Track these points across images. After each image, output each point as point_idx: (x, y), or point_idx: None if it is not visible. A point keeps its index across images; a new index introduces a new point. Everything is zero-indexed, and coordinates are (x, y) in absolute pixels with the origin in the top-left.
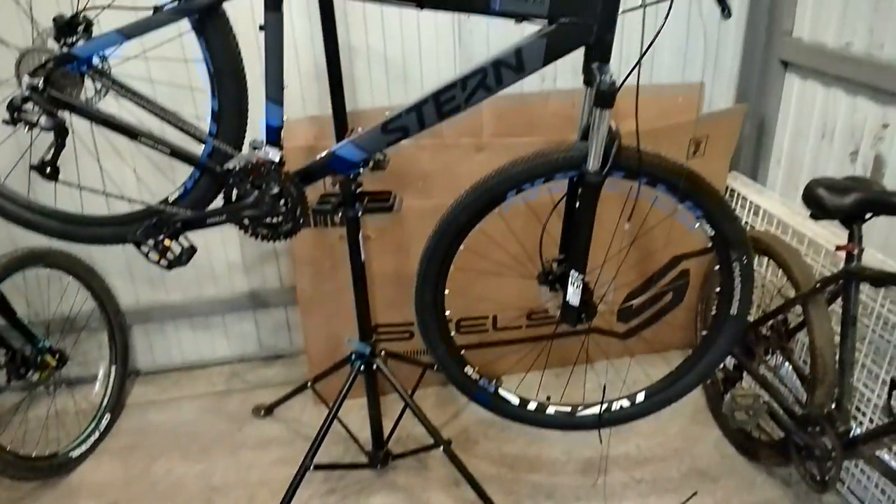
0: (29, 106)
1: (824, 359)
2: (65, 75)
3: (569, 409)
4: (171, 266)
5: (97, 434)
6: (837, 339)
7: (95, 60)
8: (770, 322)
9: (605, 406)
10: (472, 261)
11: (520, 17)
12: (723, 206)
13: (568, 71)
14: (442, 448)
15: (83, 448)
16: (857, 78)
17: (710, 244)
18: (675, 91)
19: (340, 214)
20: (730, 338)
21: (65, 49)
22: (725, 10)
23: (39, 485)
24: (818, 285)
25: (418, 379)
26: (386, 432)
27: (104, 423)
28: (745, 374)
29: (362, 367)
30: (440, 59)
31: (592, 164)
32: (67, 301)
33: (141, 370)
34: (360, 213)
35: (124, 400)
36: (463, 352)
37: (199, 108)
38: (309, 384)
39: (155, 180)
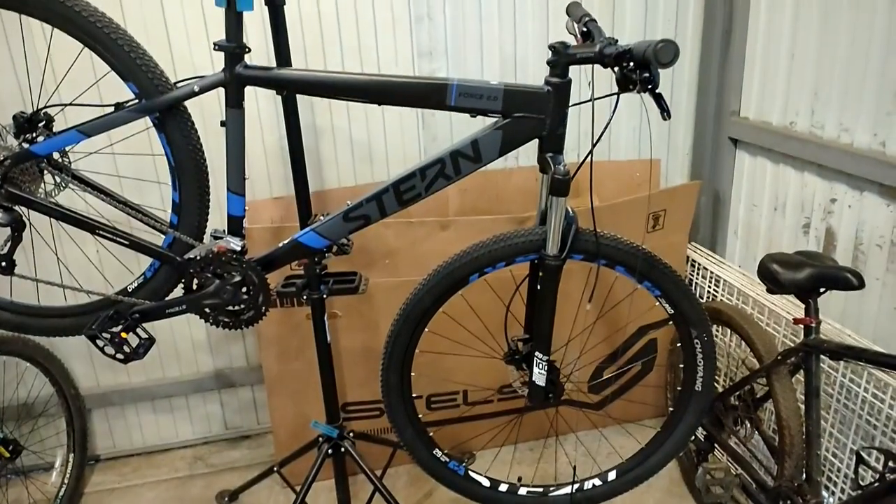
0: None
1: (791, 431)
2: (23, 171)
3: (540, 489)
4: (126, 360)
5: None
6: (804, 409)
7: (56, 155)
8: (737, 392)
9: (576, 486)
10: (437, 342)
11: (475, 112)
12: (680, 287)
13: (530, 148)
14: None
15: None
16: (803, 156)
17: (670, 321)
18: (633, 167)
19: (305, 297)
20: (696, 413)
21: (24, 145)
22: (665, 113)
23: None
24: (779, 357)
25: (389, 458)
26: None
27: None
28: (716, 444)
29: (330, 450)
30: (405, 139)
31: (551, 248)
32: (24, 386)
33: (100, 456)
34: (325, 296)
35: (82, 489)
36: (431, 433)
37: (164, 199)
38: (275, 469)
39: (115, 268)
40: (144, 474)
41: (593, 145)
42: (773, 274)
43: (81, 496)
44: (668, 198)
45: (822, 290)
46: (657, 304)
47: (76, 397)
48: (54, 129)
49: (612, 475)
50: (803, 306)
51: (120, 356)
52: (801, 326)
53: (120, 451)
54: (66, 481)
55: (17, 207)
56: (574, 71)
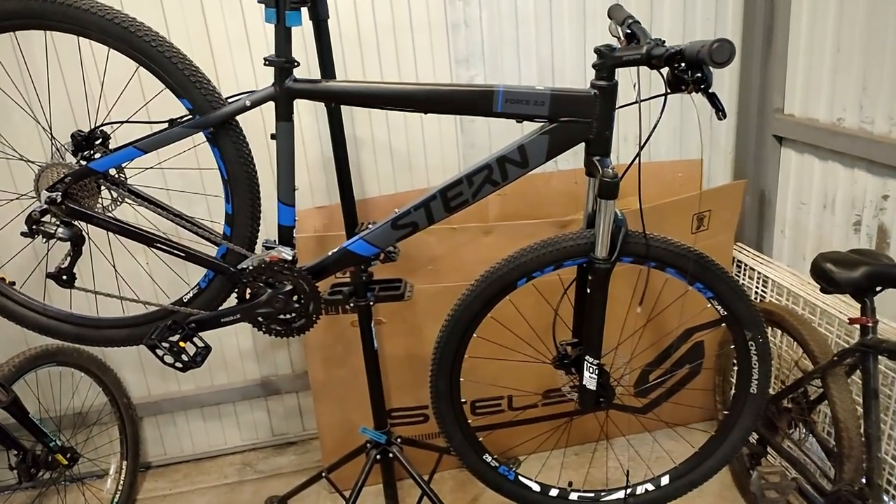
0: (47, 218)
1: (849, 433)
2: (82, 187)
3: (592, 494)
4: (185, 368)
5: None
6: (861, 411)
7: (112, 171)
8: (791, 395)
9: (629, 491)
10: (483, 347)
11: (521, 118)
12: (733, 288)
13: (569, 153)
14: None
15: None
16: (852, 152)
17: (723, 323)
18: (675, 168)
19: (352, 304)
20: (751, 417)
21: (82, 163)
22: (720, 112)
23: None
24: (835, 358)
25: (435, 464)
26: None
27: None
28: (769, 448)
29: (378, 456)
30: (444, 147)
31: (600, 251)
32: (79, 396)
33: (152, 463)
34: (371, 303)
35: (135, 495)
36: (481, 439)
37: (212, 210)
38: (324, 474)
39: (169, 280)
40: (195, 480)
41: (641, 147)
42: (827, 273)
43: (135, 502)
44: (712, 198)
45: (878, 288)
46: (708, 305)
47: (128, 406)
48: (110, 147)
49: (665, 480)
50: (858, 306)
51: (179, 364)
52: (857, 326)
53: (171, 458)
54: (119, 487)
55: (76, 222)
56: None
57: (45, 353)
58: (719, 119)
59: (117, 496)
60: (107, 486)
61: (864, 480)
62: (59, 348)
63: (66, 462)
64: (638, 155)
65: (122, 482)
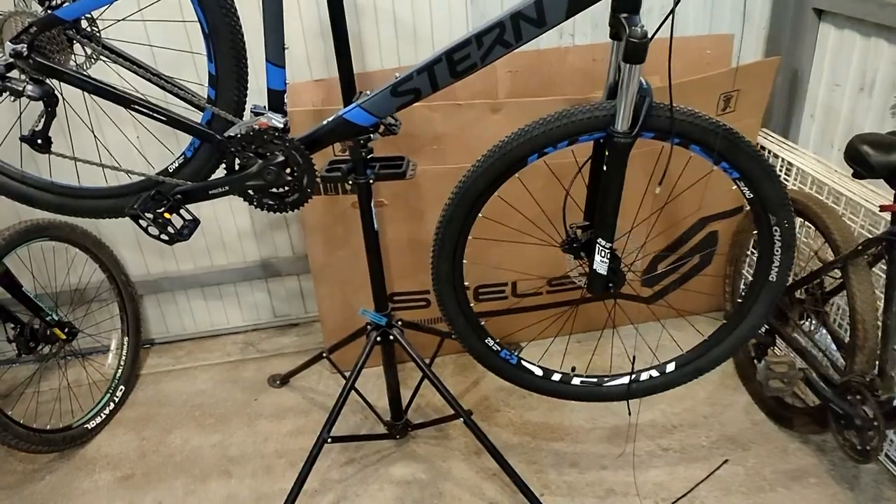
0: (14, 74)
1: (866, 325)
2: (51, 40)
3: (595, 379)
4: (172, 241)
5: (112, 405)
6: (879, 303)
7: (84, 24)
8: (805, 286)
9: (633, 377)
10: (490, 228)
11: None
12: (763, 167)
13: (587, 25)
14: (462, 419)
15: (98, 419)
16: None
17: (747, 206)
18: (703, 44)
19: (351, 181)
20: (766, 305)
21: (48, 11)
22: None
23: (55, 457)
24: (860, 247)
25: (436, 348)
26: (404, 402)
27: (119, 394)
28: (777, 338)
29: (379, 338)
30: (452, 16)
31: (621, 124)
32: (75, 272)
33: (154, 340)
34: (371, 181)
35: (138, 371)
36: (483, 322)
37: (201, 76)
38: (324, 354)
39: (154, 149)
40: (198, 357)
41: (676, 2)
42: (863, 156)
43: (138, 377)
44: (742, 76)
45: None
46: (734, 187)
47: (127, 283)
48: None
49: (670, 367)
50: (888, 195)
51: (164, 237)
52: (887, 215)
53: (173, 336)
54: (122, 363)
55: (47, 80)
56: None
57: (37, 228)
58: None
59: (119, 371)
60: (108, 362)
61: (875, 372)
62: (51, 223)
63: (64, 336)
64: (672, 11)
65: (124, 357)
